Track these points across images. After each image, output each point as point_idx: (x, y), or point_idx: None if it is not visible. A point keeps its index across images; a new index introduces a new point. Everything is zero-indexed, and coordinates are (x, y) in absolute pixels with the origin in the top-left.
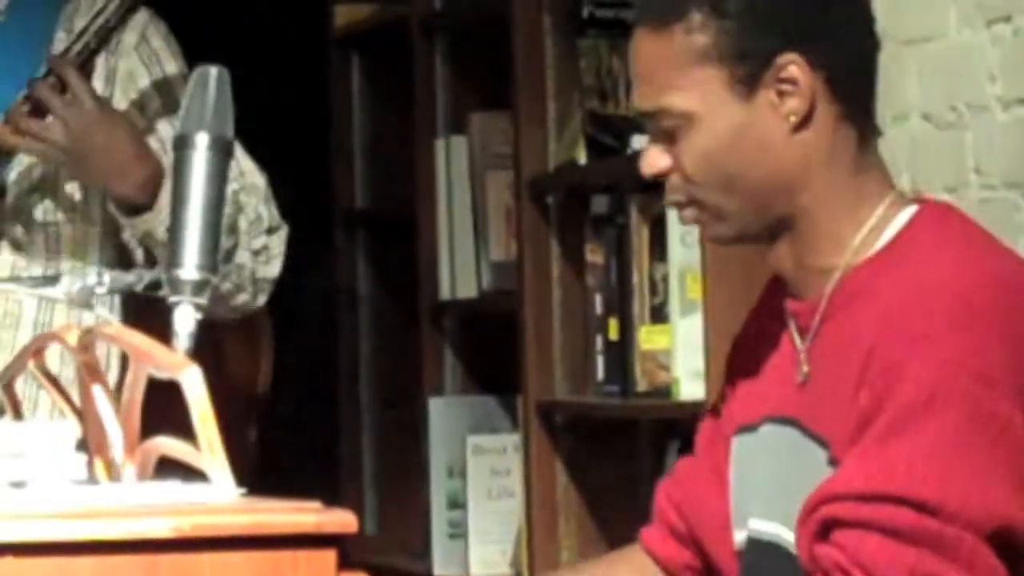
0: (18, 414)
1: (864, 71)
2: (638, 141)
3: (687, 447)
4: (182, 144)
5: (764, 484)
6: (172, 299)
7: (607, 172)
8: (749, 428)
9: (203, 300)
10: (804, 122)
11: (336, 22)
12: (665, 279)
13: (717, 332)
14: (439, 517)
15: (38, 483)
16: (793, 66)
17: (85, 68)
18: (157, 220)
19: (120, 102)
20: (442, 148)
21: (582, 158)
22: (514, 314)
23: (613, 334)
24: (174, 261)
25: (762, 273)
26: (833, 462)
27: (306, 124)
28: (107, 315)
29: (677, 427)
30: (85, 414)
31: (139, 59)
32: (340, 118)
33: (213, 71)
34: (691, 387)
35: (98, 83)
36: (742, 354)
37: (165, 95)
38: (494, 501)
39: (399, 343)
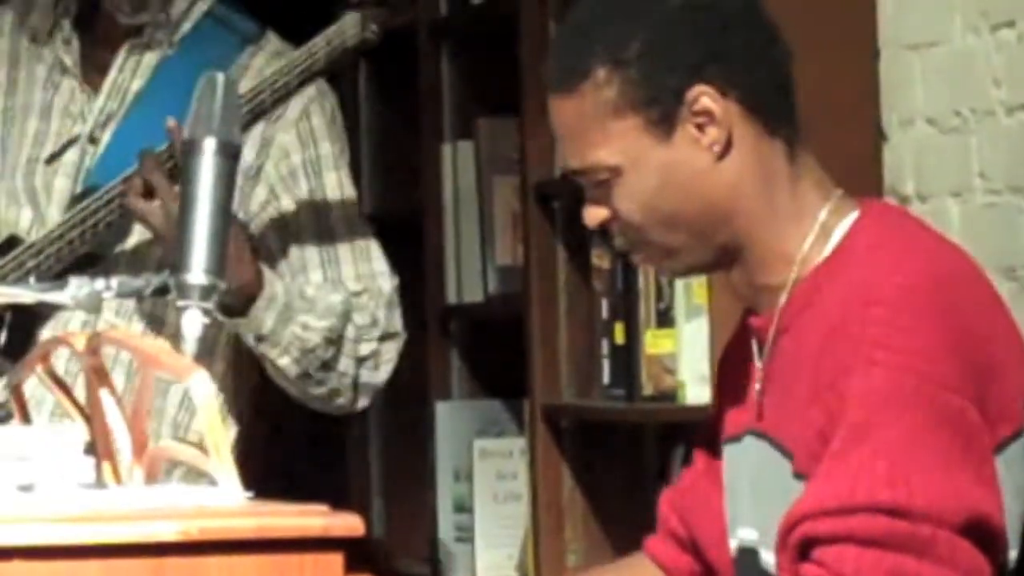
0: (26, 418)
1: (777, 83)
2: None
3: (692, 451)
4: (189, 149)
5: (746, 493)
6: (180, 303)
7: None
8: (734, 439)
9: (210, 304)
10: (727, 149)
11: None
12: (671, 284)
13: (722, 336)
14: (446, 521)
15: (45, 487)
16: (704, 97)
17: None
18: (248, 328)
19: (270, 174)
20: (449, 153)
21: None
22: (520, 318)
23: (619, 338)
24: (181, 265)
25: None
26: (797, 475)
27: None
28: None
29: (683, 431)
30: (92, 418)
31: (296, 135)
32: (347, 123)
33: (220, 77)
34: (696, 391)
35: (250, 152)
36: (726, 367)
37: (311, 179)
38: (500, 505)
39: (406, 347)
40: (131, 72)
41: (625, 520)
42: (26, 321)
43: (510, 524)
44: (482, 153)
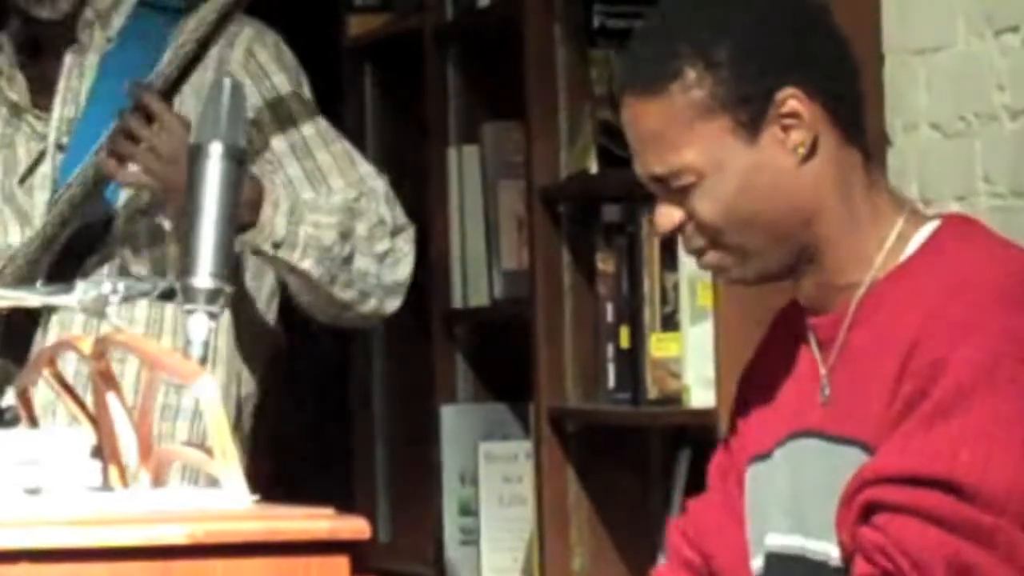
0: (33, 422)
1: (853, 95)
2: None
3: (697, 454)
4: (196, 153)
5: (782, 501)
6: (186, 307)
7: (618, 181)
8: (763, 456)
9: (216, 308)
10: (811, 152)
11: (349, 32)
12: (676, 287)
13: (727, 340)
14: (451, 524)
15: (53, 490)
16: (792, 100)
17: (176, 88)
18: (262, 236)
19: None
20: (454, 157)
21: (593, 167)
22: (526, 322)
23: (624, 342)
24: (188, 269)
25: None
26: (871, 452)
27: None
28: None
29: (688, 434)
30: (99, 421)
31: (247, 75)
32: (353, 128)
33: (227, 81)
34: (701, 395)
35: (196, 101)
36: (752, 386)
37: (275, 109)
38: (506, 508)
39: (412, 351)
40: (78, 76)
41: (630, 523)
42: (24, 322)
43: (515, 527)
44: (488, 157)
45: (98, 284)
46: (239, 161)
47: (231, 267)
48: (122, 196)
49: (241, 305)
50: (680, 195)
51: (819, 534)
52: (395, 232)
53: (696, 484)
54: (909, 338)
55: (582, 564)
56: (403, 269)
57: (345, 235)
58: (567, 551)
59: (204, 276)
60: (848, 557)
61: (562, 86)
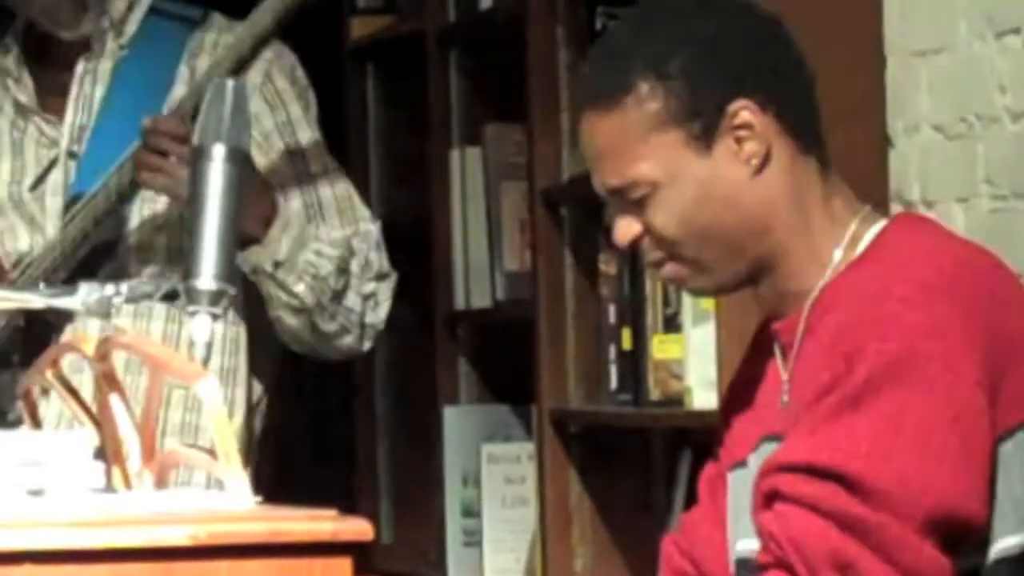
0: (36, 423)
1: (808, 103)
2: None
3: (699, 456)
4: (199, 155)
5: (748, 507)
6: (189, 309)
7: None
8: (739, 464)
9: (219, 310)
10: (764, 163)
11: (352, 34)
12: (678, 290)
13: (729, 341)
14: (454, 525)
15: (56, 491)
16: (745, 111)
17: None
18: (264, 254)
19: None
20: (457, 159)
21: None
22: (528, 324)
23: (626, 343)
24: (191, 271)
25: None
26: None
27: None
28: None
29: (690, 436)
30: (102, 423)
31: (263, 100)
32: (355, 129)
33: (230, 83)
34: (703, 396)
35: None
36: (733, 397)
37: (286, 139)
38: (508, 509)
39: (414, 352)
40: (91, 83)
41: (632, 524)
42: (43, 330)
43: (518, 528)
44: (490, 159)
45: (101, 286)
46: (241, 163)
47: (236, 270)
48: (135, 214)
49: (255, 315)
50: (637, 207)
51: None
52: (379, 277)
53: (697, 485)
54: (832, 332)
55: (584, 565)
56: (380, 313)
57: (342, 270)
58: (569, 552)
59: (207, 278)
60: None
61: (564, 88)
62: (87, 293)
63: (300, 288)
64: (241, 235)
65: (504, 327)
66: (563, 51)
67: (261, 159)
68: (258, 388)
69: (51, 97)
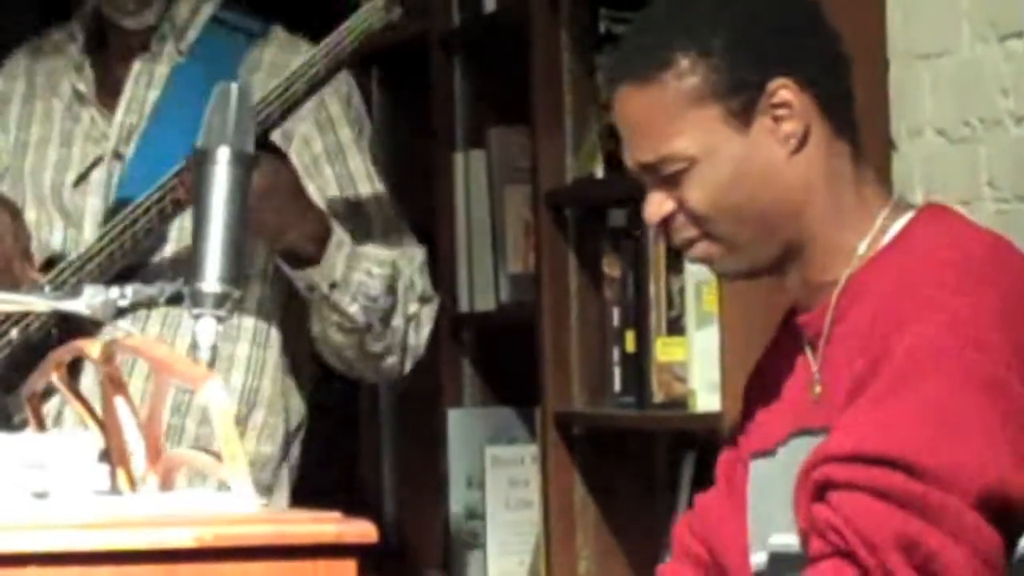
0: (41, 426)
1: (845, 88)
2: None
3: (703, 458)
4: (204, 159)
5: (781, 500)
6: (194, 311)
7: (624, 186)
8: (766, 452)
9: (224, 312)
10: (802, 143)
11: None
12: (681, 292)
13: (733, 344)
14: (458, 527)
15: (61, 494)
16: (785, 90)
17: (274, 128)
18: (321, 274)
19: (296, 166)
20: (461, 162)
21: (599, 172)
22: (532, 326)
23: (630, 346)
24: (196, 274)
25: (778, 286)
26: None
27: None
28: None
29: (693, 438)
30: (107, 425)
31: (315, 124)
32: None
33: (234, 87)
34: (707, 399)
35: (275, 139)
36: (757, 385)
37: (337, 161)
38: (512, 511)
39: None
40: (145, 85)
41: (636, 527)
42: (74, 333)
43: (522, 531)
44: (494, 162)
45: (106, 289)
46: (247, 166)
47: (240, 274)
48: (175, 232)
49: (298, 339)
50: (671, 184)
51: None
52: (423, 300)
53: (701, 488)
54: (866, 322)
55: (588, 567)
56: (422, 336)
57: (391, 289)
58: (573, 554)
59: (212, 281)
60: (805, 540)
61: (568, 91)
62: (92, 296)
63: (354, 309)
64: (293, 254)
65: (508, 330)
66: (567, 55)
67: (311, 184)
68: (299, 414)
69: (107, 91)
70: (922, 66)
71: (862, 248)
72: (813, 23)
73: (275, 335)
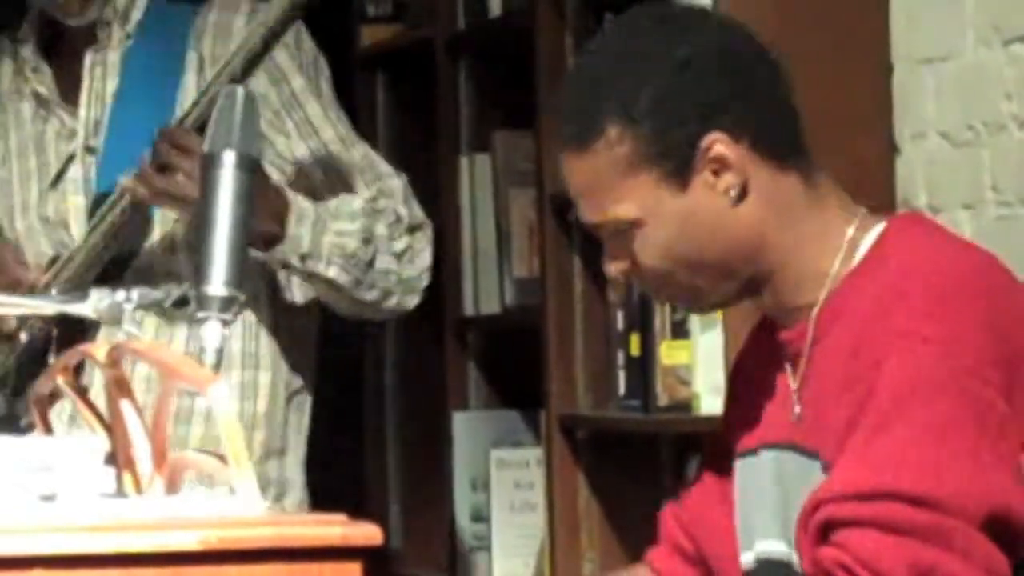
0: (48, 429)
1: (785, 117)
2: None
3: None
4: (210, 162)
5: (768, 506)
6: (200, 315)
7: None
8: (749, 452)
9: (230, 316)
10: (743, 193)
11: (361, 42)
12: None
13: (737, 347)
14: (463, 530)
15: (67, 496)
16: (717, 144)
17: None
18: (289, 249)
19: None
20: (466, 166)
21: None
22: (537, 329)
23: (635, 349)
24: (202, 278)
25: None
26: (826, 468)
27: None
28: None
29: (697, 441)
30: (114, 428)
31: (268, 79)
32: (365, 136)
33: (240, 91)
34: (711, 402)
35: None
36: (739, 379)
37: (295, 111)
38: (517, 514)
39: (424, 358)
40: (101, 76)
41: (640, 529)
42: (76, 338)
43: (527, 533)
44: (499, 166)
45: (112, 292)
46: (252, 170)
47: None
48: (156, 217)
49: (281, 300)
50: (624, 240)
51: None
52: (412, 229)
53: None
54: (847, 349)
55: (593, 570)
56: (420, 264)
57: (367, 239)
58: (577, 557)
59: (218, 284)
60: None
61: None
62: (98, 299)
63: (332, 272)
64: (259, 236)
65: (513, 333)
66: (571, 58)
67: (278, 137)
68: (297, 379)
69: (68, 87)
70: (926, 70)
71: (834, 268)
72: (743, 61)
73: (265, 355)
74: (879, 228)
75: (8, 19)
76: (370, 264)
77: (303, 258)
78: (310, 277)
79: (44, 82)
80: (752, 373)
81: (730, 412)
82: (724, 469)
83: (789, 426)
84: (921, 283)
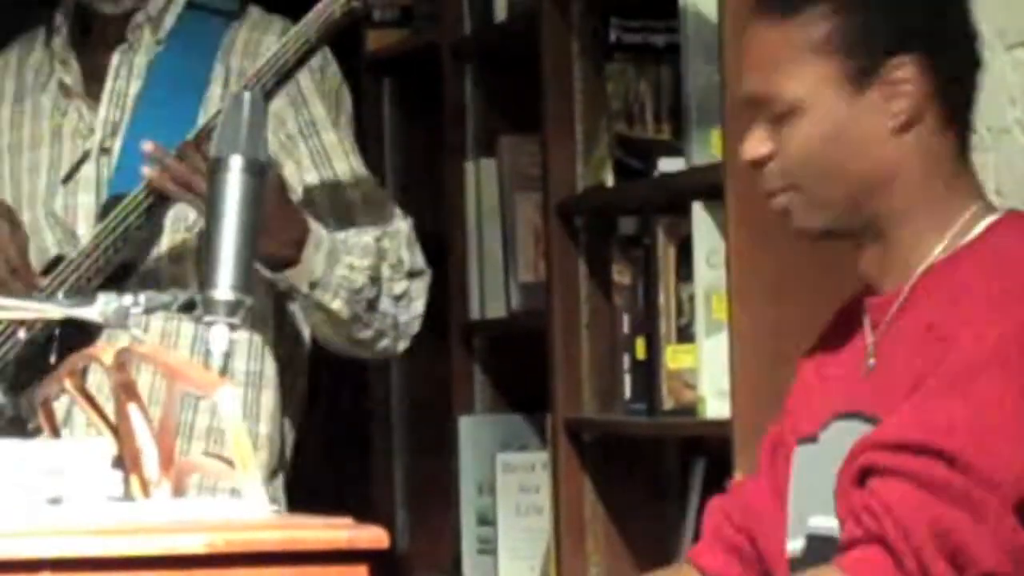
0: (55, 432)
1: (970, 81)
2: (665, 164)
3: (712, 465)
4: (216, 167)
5: (826, 483)
6: (207, 319)
7: (634, 194)
8: (809, 438)
9: (237, 320)
10: (909, 124)
11: (368, 47)
12: (691, 299)
13: (742, 351)
14: (469, 533)
15: (75, 500)
16: (907, 67)
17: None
18: (300, 275)
19: (271, 143)
20: (472, 170)
21: (609, 180)
22: (543, 334)
23: (640, 353)
24: (209, 282)
25: (787, 294)
26: None
27: None
28: None
29: (703, 445)
30: (121, 432)
31: (288, 100)
32: (371, 141)
33: (247, 95)
34: (716, 406)
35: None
36: (808, 368)
37: (311, 137)
38: (523, 518)
39: (430, 362)
40: (126, 78)
41: (646, 533)
42: (78, 338)
43: (532, 537)
44: (505, 170)
45: (119, 297)
46: (259, 174)
47: (254, 279)
48: (168, 225)
49: (285, 323)
50: (772, 126)
51: None
52: (411, 275)
53: (711, 495)
54: (933, 318)
55: (598, 573)
56: (414, 311)
57: (375, 279)
58: (583, 561)
59: (225, 289)
60: (843, 526)
61: (578, 100)
62: (105, 303)
63: (336, 304)
64: (274, 258)
65: (519, 337)
66: (577, 63)
67: (288, 161)
68: (294, 402)
69: (92, 82)
70: None
71: (943, 241)
72: (957, 14)
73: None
74: (993, 217)
75: (46, 11)
76: (372, 304)
77: (312, 285)
78: (312, 306)
79: (71, 74)
80: (820, 362)
81: (793, 402)
82: (778, 462)
83: (857, 389)
84: (1011, 266)
